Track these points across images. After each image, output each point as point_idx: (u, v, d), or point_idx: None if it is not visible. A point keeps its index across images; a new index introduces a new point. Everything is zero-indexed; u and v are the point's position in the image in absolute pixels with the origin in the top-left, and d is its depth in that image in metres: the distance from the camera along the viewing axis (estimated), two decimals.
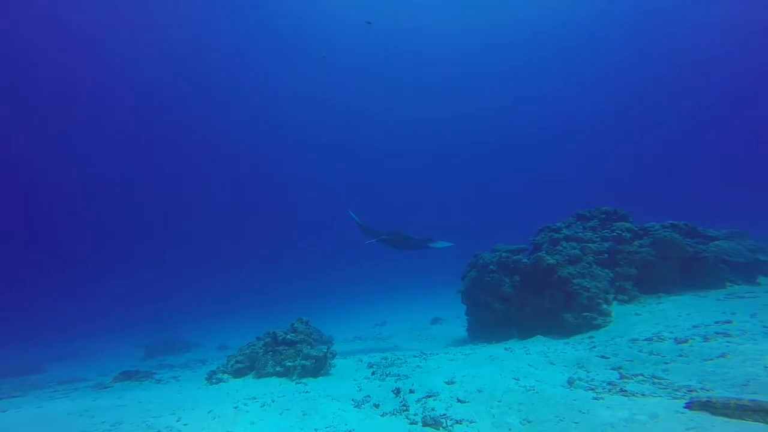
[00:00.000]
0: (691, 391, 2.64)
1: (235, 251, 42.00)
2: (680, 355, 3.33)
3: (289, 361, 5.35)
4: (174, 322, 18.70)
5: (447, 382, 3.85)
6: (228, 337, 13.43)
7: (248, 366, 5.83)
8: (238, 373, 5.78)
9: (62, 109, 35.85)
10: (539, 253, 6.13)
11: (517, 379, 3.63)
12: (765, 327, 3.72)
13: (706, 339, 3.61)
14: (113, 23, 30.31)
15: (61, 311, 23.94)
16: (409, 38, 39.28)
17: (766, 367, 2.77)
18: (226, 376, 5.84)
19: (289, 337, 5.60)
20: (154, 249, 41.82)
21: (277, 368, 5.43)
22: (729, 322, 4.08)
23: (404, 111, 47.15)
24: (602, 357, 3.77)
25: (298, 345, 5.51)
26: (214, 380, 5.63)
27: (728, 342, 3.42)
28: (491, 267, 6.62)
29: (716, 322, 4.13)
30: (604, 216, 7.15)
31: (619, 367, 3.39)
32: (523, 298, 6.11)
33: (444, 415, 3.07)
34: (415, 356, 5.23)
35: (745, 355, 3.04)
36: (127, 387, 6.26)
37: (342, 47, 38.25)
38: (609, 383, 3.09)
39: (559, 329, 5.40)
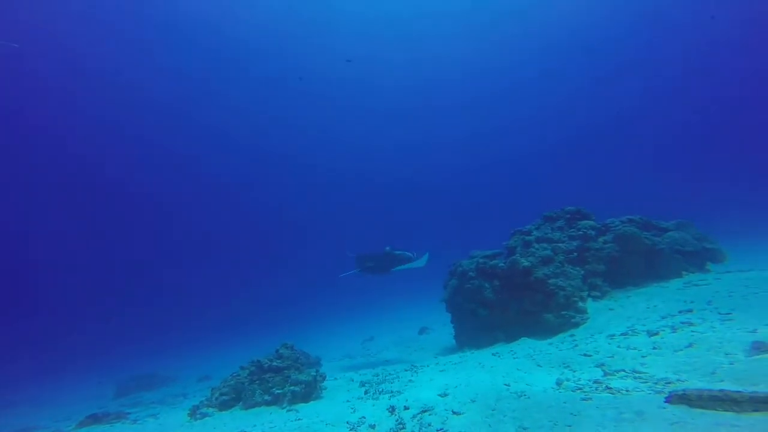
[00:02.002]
0: (668, 383, 2.84)
1: (210, 279, 40.08)
2: (654, 348, 3.58)
3: (278, 389, 5.16)
4: (149, 356, 17.38)
5: (440, 395, 3.87)
6: (209, 367, 12.68)
7: (234, 397, 5.56)
8: (224, 406, 5.49)
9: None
10: (514, 257, 6.38)
11: (508, 385, 3.72)
12: (720, 314, 4.10)
13: (674, 330, 3.91)
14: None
15: (14, 355, 21.36)
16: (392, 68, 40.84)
17: (726, 354, 3.05)
18: (211, 410, 5.52)
19: (275, 363, 5.40)
20: (123, 282, 38.90)
21: (266, 397, 5.22)
22: (690, 311, 4.46)
23: (387, 134, 48.23)
24: (585, 355, 3.97)
25: (286, 371, 5.33)
26: (198, 415, 5.31)
27: (693, 331, 3.73)
28: (471, 274, 6.79)
29: (680, 312, 4.50)
30: (568, 216, 7.55)
31: (602, 364, 3.59)
32: (504, 302, 6.31)
33: (441, 429, 3.08)
34: (406, 370, 5.22)
35: (708, 343, 3.34)
36: None
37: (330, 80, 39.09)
38: (595, 381, 3.25)
39: (542, 329, 5.63)
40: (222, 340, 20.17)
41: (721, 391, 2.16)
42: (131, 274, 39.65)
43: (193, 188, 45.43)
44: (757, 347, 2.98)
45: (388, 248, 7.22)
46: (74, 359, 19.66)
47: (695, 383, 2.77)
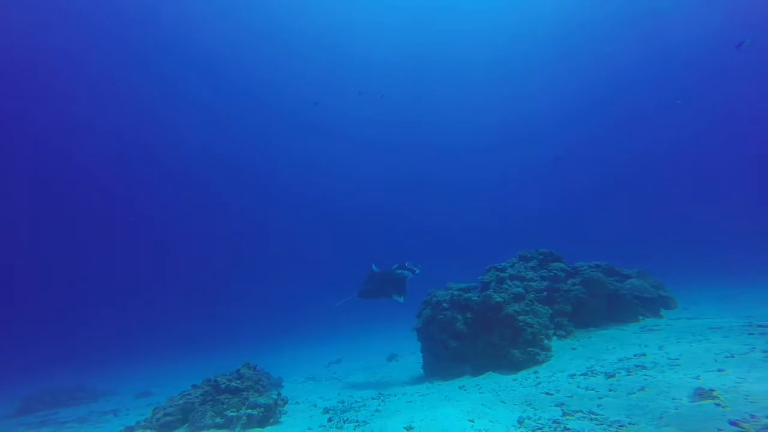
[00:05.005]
0: (621, 426, 2.98)
1: (171, 293, 37.67)
2: (610, 390, 3.75)
3: (233, 411, 4.85)
4: (84, 369, 15.66)
5: (406, 428, 3.81)
6: (153, 383, 11.58)
7: (180, 419, 5.14)
8: (165, 427, 5.05)
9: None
10: (488, 292, 6.55)
11: (473, 421, 3.73)
12: (669, 359, 4.38)
13: (629, 372, 4.12)
14: None
15: None
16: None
17: (673, 399, 3.25)
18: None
19: (233, 384, 5.11)
20: (74, 290, 35.64)
21: (217, 419, 4.88)
22: (644, 354, 4.72)
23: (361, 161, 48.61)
24: (547, 393, 4.07)
25: (245, 393, 5.05)
26: None
27: (645, 375, 3.95)
28: (444, 305, 6.86)
29: (635, 355, 4.75)
30: (542, 257, 7.93)
31: (562, 404, 3.69)
32: (475, 335, 6.39)
33: None
34: (373, 398, 5.09)
35: (658, 387, 3.54)
36: None
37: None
38: (554, 421, 3.34)
39: (508, 364, 5.72)
40: (172, 356, 18.67)
41: None
42: (85, 283, 36.61)
43: (164, 198, 43.20)
44: (699, 393, 3.20)
45: (395, 266, 6.86)
46: None
47: (645, 427, 2.92)
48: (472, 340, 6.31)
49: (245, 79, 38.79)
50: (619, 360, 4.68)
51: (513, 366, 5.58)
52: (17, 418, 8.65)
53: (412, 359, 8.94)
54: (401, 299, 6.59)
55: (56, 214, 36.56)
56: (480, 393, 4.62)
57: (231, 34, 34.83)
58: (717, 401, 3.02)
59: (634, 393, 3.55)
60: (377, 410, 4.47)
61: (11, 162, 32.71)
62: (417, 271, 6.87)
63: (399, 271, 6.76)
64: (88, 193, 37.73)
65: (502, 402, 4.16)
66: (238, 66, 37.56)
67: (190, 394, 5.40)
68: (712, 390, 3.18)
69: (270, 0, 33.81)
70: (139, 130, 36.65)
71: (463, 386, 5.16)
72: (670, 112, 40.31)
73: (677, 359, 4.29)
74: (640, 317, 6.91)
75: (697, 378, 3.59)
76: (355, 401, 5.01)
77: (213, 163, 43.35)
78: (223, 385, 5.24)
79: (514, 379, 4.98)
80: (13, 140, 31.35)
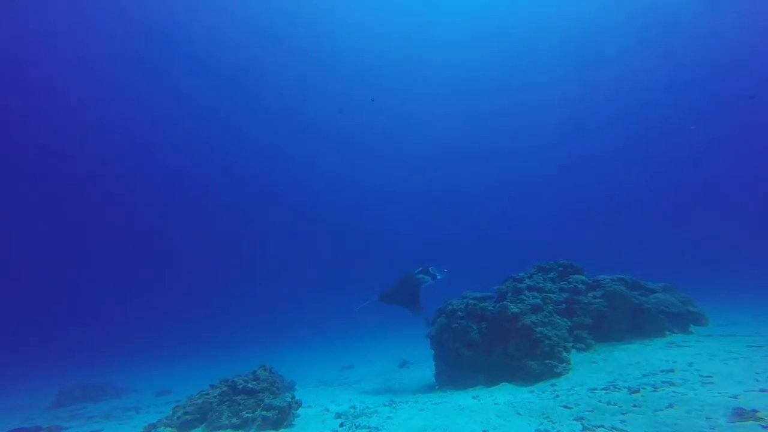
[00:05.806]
0: None
1: (187, 294, 38.71)
2: (635, 406, 3.57)
3: (248, 412, 4.92)
4: (108, 366, 16.30)
5: None
6: (171, 382, 11.88)
7: (198, 418, 5.27)
8: (185, 426, 5.18)
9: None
10: (504, 302, 6.42)
11: None
12: (701, 376, 4.13)
13: (655, 388, 3.92)
14: None
15: None
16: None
17: (707, 418, 3.06)
18: (169, 429, 5.21)
19: (250, 385, 5.20)
20: (89, 282, 37.30)
21: (233, 420, 4.97)
22: (672, 371, 4.47)
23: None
24: (565, 407, 3.92)
25: (260, 394, 5.12)
26: None
27: (674, 392, 3.74)
28: (459, 313, 6.75)
29: (662, 371, 4.51)
30: (561, 269, 7.68)
31: (582, 418, 3.54)
32: (489, 345, 6.25)
33: None
34: (385, 405, 5.04)
35: (689, 405, 3.34)
36: None
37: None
38: None
39: (523, 376, 5.54)
40: (185, 356, 19.17)
41: None
42: (107, 282, 38.18)
43: (179, 199, 44.52)
44: (739, 413, 3.00)
45: (418, 269, 6.56)
46: (20, 364, 18.25)
47: None
48: (487, 350, 6.17)
49: (245, 80, 39.31)
50: (644, 375, 4.45)
51: (529, 378, 5.40)
52: (51, 411, 9.20)
53: (425, 366, 8.79)
54: (421, 316, 6.41)
55: (76, 217, 38.49)
56: (495, 404, 4.50)
57: (231, 36, 35.21)
58: (763, 423, 2.82)
59: (662, 410, 3.36)
60: (389, 417, 4.42)
61: (41, 167, 34.67)
62: (439, 277, 6.62)
63: (419, 276, 6.58)
64: (104, 196, 39.48)
65: (518, 414, 4.03)
66: (238, 67, 38.08)
67: (208, 394, 5.52)
68: (755, 410, 2.97)
69: (272, 2, 34.12)
70: (141, 131, 37.72)
71: (477, 396, 5.04)
72: (698, 122, 38.75)
73: (710, 377, 4.04)
74: (667, 332, 6.55)
75: (735, 397, 3.37)
76: (367, 407, 4.98)
77: (214, 164, 44.16)
78: (240, 386, 5.33)
79: (531, 391, 4.82)
80: (19, 142, 32.68)
